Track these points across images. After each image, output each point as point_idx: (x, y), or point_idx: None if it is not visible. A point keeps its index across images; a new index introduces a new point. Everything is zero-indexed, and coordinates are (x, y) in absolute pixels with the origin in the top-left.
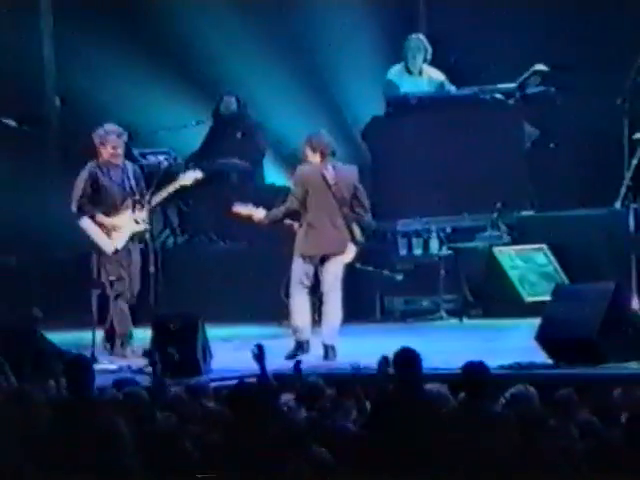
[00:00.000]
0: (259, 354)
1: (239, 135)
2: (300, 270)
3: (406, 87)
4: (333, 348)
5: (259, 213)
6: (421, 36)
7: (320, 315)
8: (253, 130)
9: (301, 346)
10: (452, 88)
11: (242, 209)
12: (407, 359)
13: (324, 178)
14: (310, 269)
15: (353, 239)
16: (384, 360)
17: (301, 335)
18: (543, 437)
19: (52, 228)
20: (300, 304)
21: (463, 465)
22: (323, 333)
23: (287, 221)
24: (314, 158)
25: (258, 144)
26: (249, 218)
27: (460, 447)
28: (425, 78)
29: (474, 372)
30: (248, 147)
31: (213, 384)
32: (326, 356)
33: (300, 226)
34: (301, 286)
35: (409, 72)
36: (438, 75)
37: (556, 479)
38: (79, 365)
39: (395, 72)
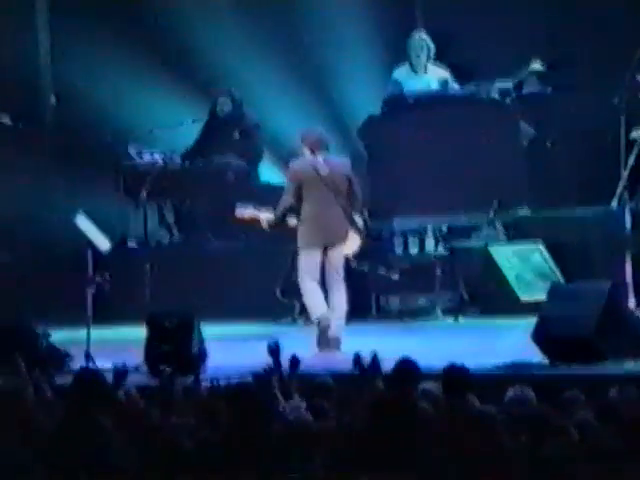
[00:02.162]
0: (275, 349)
1: (237, 135)
2: (306, 264)
3: (412, 86)
4: (339, 341)
5: (263, 216)
6: (423, 34)
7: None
8: (251, 130)
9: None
10: (455, 86)
11: (246, 213)
12: (407, 371)
13: (316, 170)
14: (316, 262)
15: (356, 229)
16: (356, 358)
17: (326, 322)
18: (541, 437)
19: (47, 225)
20: (315, 295)
21: (447, 465)
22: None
23: (292, 221)
24: (306, 153)
25: (256, 144)
26: (253, 222)
27: (444, 447)
28: (430, 76)
29: (454, 375)
30: (246, 147)
31: (208, 383)
32: (329, 349)
33: (299, 221)
34: (310, 278)
35: (414, 71)
36: (443, 73)
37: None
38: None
39: (401, 72)
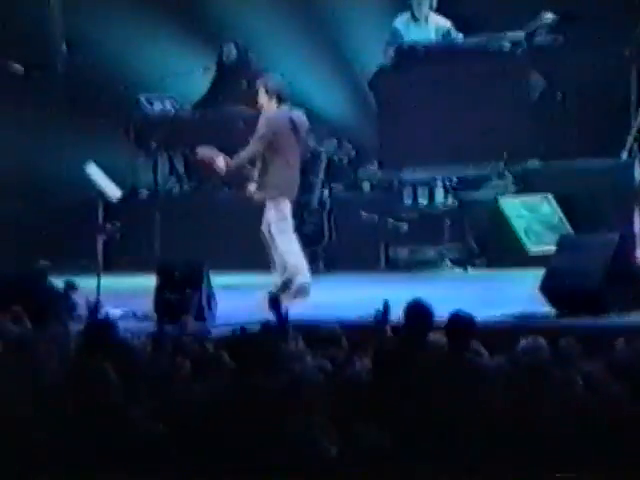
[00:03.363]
0: (275, 304)
1: (244, 84)
2: (289, 212)
3: (412, 35)
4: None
5: (220, 161)
6: None
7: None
8: (258, 78)
9: (304, 289)
10: (459, 36)
11: (206, 153)
12: (420, 312)
13: (292, 122)
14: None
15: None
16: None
17: (304, 278)
18: (549, 389)
19: (57, 174)
20: (297, 246)
21: (451, 417)
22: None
23: (247, 166)
24: (269, 102)
25: None
26: (210, 166)
27: (449, 399)
28: (431, 26)
29: (460, 323)
30: (252, 95)
31: (217, 331)
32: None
33: (268, 171)
34: (292, 228)
35: (415, 20)
36: (444, 23)
37: (555, 433)
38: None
39: (401, 21)
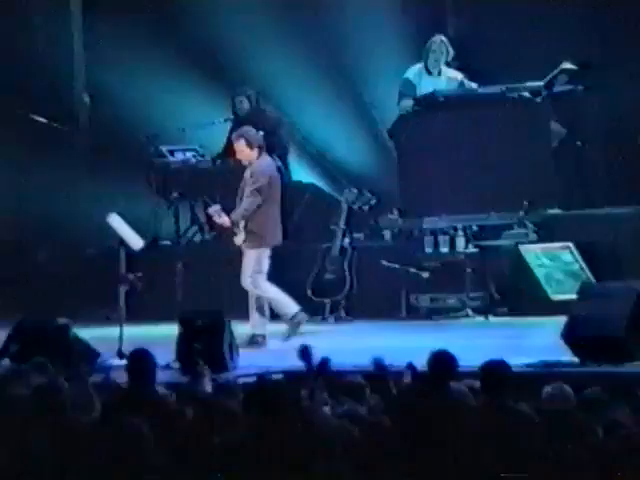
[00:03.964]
0: (306, 354)
1: (261, 133)
2: (266, 263)
3: (425, 87)
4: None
5: (224, 218)
6: (444, 38)
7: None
8: (273, 126)
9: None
10: (473, 86)
11: (210, 211)
12: (443, 362)
13: (279, 171)
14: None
15: None
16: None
17: (295, 307)
18: (571, 436)
19: (81, 224)
20: (281, 294)
21: (483, 463)
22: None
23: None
24: (250, 153)
25: (280, 139)
26: (224, 226)
27: (482, 445)
28: (444, 78)
29: (494, 370)
30: (271, 143)
31: (240, 380)
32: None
33: (260, 221)
34: (265, 276)
35: (428, 72)
36: (456, 75)
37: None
38: (142, 358)
39: (414, 72)
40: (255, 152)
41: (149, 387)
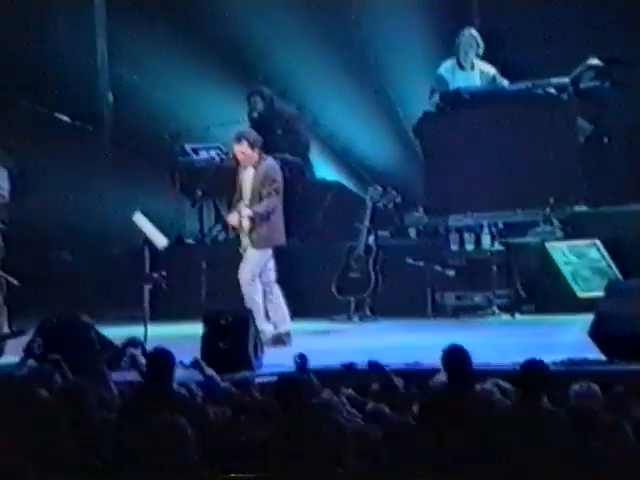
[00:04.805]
0: (301, 364)
1: (279, 131)
2: (273, 262)
3: (458, 82)
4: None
5: (245, 221)
6: (473, 31)
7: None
8: (291, 124)
9: (282, 339)
10: (504, 82)
11: (229, 218)
12: (456, 356)
13: (283, 171)
14: None
15: None
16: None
17: (286, 327)
18: (600, 436)
19: (105, 224)
20: (262, 305)
21: (519, 465)
22: (278, 321)
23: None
24: (252, 155)
25: (300, 137)
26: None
27: (517, 446)
28: (477, 73)
29: (533, 370)
30: (291, 141)
31: (262, 379)
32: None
33: (269, 220)
34: (258, 279)
35: (461, 67)
36: (490, 69)
37: None
38: (163, 357)
39: (447, 67)
40: (256, 153)
41: (167, 386)
